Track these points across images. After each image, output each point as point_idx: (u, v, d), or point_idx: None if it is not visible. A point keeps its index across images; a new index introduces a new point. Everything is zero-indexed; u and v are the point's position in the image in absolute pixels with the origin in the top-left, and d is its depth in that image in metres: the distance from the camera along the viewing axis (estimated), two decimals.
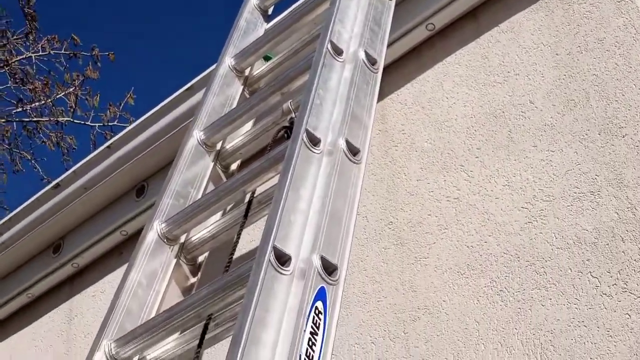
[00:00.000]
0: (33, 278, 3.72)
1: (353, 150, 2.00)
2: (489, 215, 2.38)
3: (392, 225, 2.60)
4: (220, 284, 1.79)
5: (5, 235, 3.77)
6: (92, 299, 3.51)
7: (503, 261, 2.28)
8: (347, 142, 1.99)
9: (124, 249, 3.52)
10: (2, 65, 8.09)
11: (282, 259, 1.70)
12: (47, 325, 3.66)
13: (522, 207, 2.31)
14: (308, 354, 1.57)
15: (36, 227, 3.67)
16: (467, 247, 2.38)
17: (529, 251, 2.23)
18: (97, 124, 8.78)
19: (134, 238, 3.43)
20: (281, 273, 1.68)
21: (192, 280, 2.29)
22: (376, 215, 2.66)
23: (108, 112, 8.69)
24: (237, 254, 2.29)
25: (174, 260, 2.24)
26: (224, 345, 2.11)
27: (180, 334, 1.99)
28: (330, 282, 1.72)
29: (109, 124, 8.83)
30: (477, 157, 2.50)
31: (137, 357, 2.00)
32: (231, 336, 1.70)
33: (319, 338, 1.61)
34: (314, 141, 1.96)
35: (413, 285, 2.44)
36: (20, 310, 3.83)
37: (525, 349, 2.09)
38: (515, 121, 2.46)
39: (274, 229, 1.73)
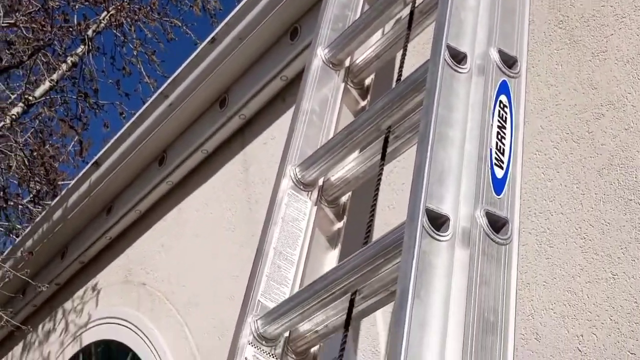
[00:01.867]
0: (205, 134, 3.84)
1: None
2: None
3: (563, 23, 2.44)
4: (395, 93, 1.76)
5: (172, 97, 3.88)
6: (264, 147, 3.59)
7: None
8: None
9: (286, 95, 3.54)
10: None
11: (458, 57, 1.63)
12: (225, 177, 3.80)
13: None
14: (498, 147, 1.52)
15: (199, 84, 3.75)
16: None
17: None
18: None
19: (294, 82, 3.44)
20: (459, 71, 1.62)
21: (362, 103, 2.28)
22: (543, 16, 2.50)
23: None
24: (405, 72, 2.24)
25: (342, 85, 2.22)
26: (410, 153, 2.08)
27: (361, 151, 1.99)
28: (512, 75, 1.65)
29: None
30: None
31: (321, 178, 2.04)
32: (415, 145, 1.67)
33: (507, 131, 1.55)
34: None
35: (592, 82, 2.31)
36: (198, 166, 3.99)
37: None
38: None
39: (445, 28, 1.65)
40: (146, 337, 3.94)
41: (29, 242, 4.91)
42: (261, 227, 3.42)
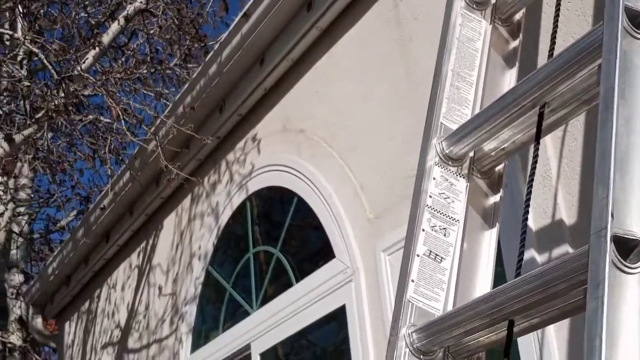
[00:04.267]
0: None
1: None
2: None
3: None
4: None
5: None
6: None
7: None
8: None
9: None
10: None
11: None
12: (374, 17, 3.76)
13: None
14: None
15: None
16: None
17: None
18: None
19: None
20: None
21: None
22: None
23: None
24: None
25: None
26: None
27: None
28: None
29: None
30: None
31: None
32: None
33: None
34: None
35: None
36: (346, 9, 3.95)
37: None
38: None
39: None
40: (310, 181, 4.08)
41: (188, 99, 5.09)
42: (416, 63, 3.40)
